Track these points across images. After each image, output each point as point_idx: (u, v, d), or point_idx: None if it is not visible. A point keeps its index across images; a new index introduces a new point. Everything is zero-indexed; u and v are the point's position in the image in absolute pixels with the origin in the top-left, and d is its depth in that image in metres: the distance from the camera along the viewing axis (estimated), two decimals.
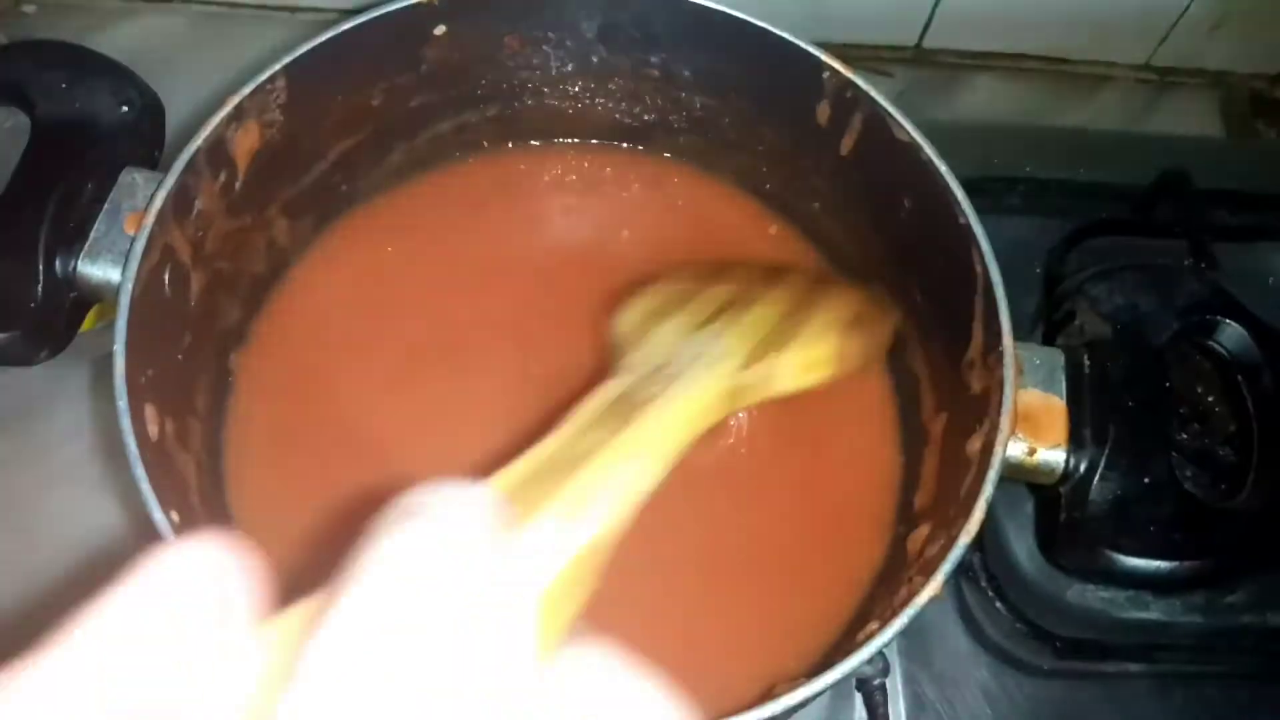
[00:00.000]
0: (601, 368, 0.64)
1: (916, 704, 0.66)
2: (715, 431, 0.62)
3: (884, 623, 0.48)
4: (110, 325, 0.51)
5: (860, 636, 0.50)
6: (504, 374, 0.65)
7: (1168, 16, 0.94)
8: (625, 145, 0.74)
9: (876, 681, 0.62)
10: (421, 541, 0.21)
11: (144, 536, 0.68)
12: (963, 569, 0.57)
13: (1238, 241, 0.77)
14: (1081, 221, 0.78)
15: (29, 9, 0.91)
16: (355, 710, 0.18)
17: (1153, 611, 0.65)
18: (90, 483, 0.70)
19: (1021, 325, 0.54)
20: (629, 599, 0.58)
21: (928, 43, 0.97)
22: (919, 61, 0.97)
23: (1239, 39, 0.96)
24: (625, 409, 0.40)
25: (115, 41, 0.90)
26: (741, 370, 0.48)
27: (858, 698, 0.64)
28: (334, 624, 0.19)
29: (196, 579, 0.21)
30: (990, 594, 0.67)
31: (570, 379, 0.65)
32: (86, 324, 0.58)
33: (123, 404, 0.49)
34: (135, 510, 0.64)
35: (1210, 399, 0.58)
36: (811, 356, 0.51)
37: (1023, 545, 0.66)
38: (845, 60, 0.61)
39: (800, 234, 0.72)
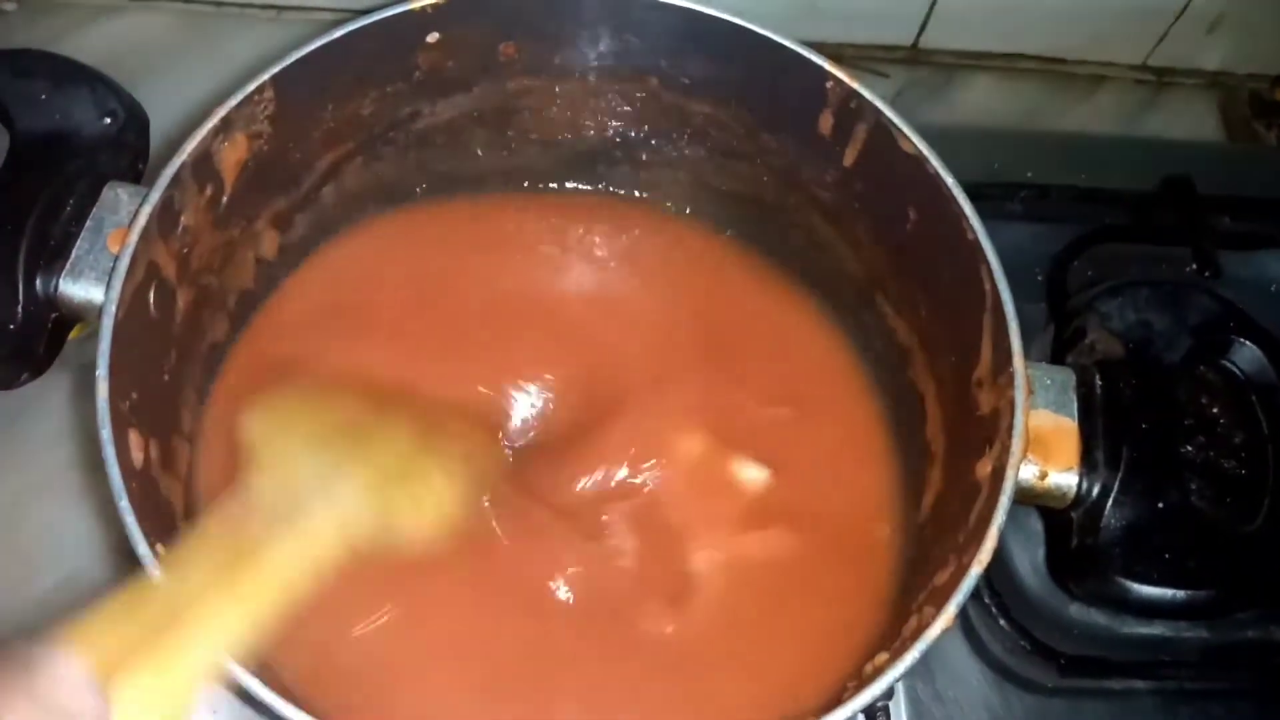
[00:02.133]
0: (587, 398, 0.64)
1: None
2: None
3: (894, 655, 0.47)
4: (94, 334, 0.50)
5: (869, 669, 0.49)
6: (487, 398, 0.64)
7: (1165, 17, 0.93)
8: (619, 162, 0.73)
9: (880, 704, 0.61)
10: None
11: (126, 548, 0.67)
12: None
13: (1241, 249, 0.77)
14: (1084, 228, 0.77)
15: (9, 7, 0.89)
16: None
17: (1157, 628, 0.65)
18: (71, 492, 0.69)
19: (1024, 334, 0.53)
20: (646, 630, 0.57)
21: (924, 42, 0.96)
22: (915, 61, 0.97)
23: (1237, 40, 0.95)
24: (235, 550, 0.42)
25: (98, 41, 0.88)
26: (358, 515, 0.48)
27: (860, 718, 0.63)
28: None
29: None
30: (994, 611, 0.66)
31: (553, 403, 0.64)
32: (72, 333, 0.57)
33: (106, 433, 0.47)
34: (116, 521, 0.63)
35: (1221, 418, 0.57)
36: (424, 504, 0.52)
37: (1026, 562, 0.66)
38: (840, 59, 0.60)
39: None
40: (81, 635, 0.33)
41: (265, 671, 0.42)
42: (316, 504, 0.47)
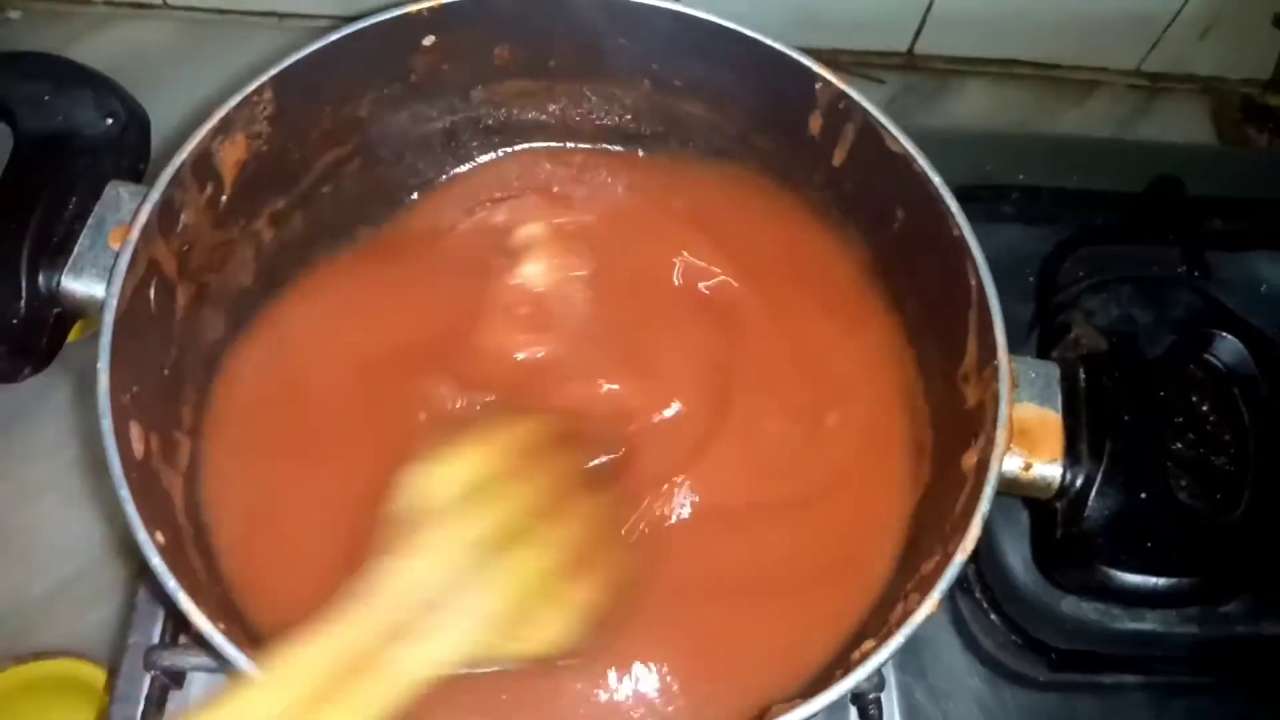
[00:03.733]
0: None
1: (912, 716, 0.66)
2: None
3: (880, 640, 0.48)
4: (95, 336, 0.50)
5: (856, 655, 0.49)
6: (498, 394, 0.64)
7: (1158, 22, 0.94)
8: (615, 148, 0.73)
9: (871, 696, 0.61)
10: None
11: (129, 549, 0.68)
12: (957, 581, 0.56)
13: (1230, 250, 0.77)
14: (1074, 229, 0.77)
15: (13, 14, 0.90)
16: None
17: (1148, 623, 0.65)
18: (73, 494, 0.70)
19: (1015, 334, 0.53)
20: (629, 625, 0.58)
21: (919, 48, 0.96)
22: (910, 67, 0.97)
23: (1229, 45, 0.96)
24: (372, 643, 0.43)
25: (100, 48, 0.89)
26: (487, 635, 0.47)
27: (853, 711, 0.63)
28: None
29: None
30: (985, 606, 0.67)
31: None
32: (72, 334, 0.58)
33: (107, 424, 0.48)
34: (119, 523, 0.63)
35: (1205, 410, 0.58)
36: (547, 632, 0.51)
37: (1017, 557, 0.66)
38: (836, 66, 0.60)
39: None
40: None
41: None
42: (448, 616, 0.46)
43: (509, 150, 0.72)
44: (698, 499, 0.61)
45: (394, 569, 0.46)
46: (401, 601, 0.45)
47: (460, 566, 0.48)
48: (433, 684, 0.44)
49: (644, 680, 0.57)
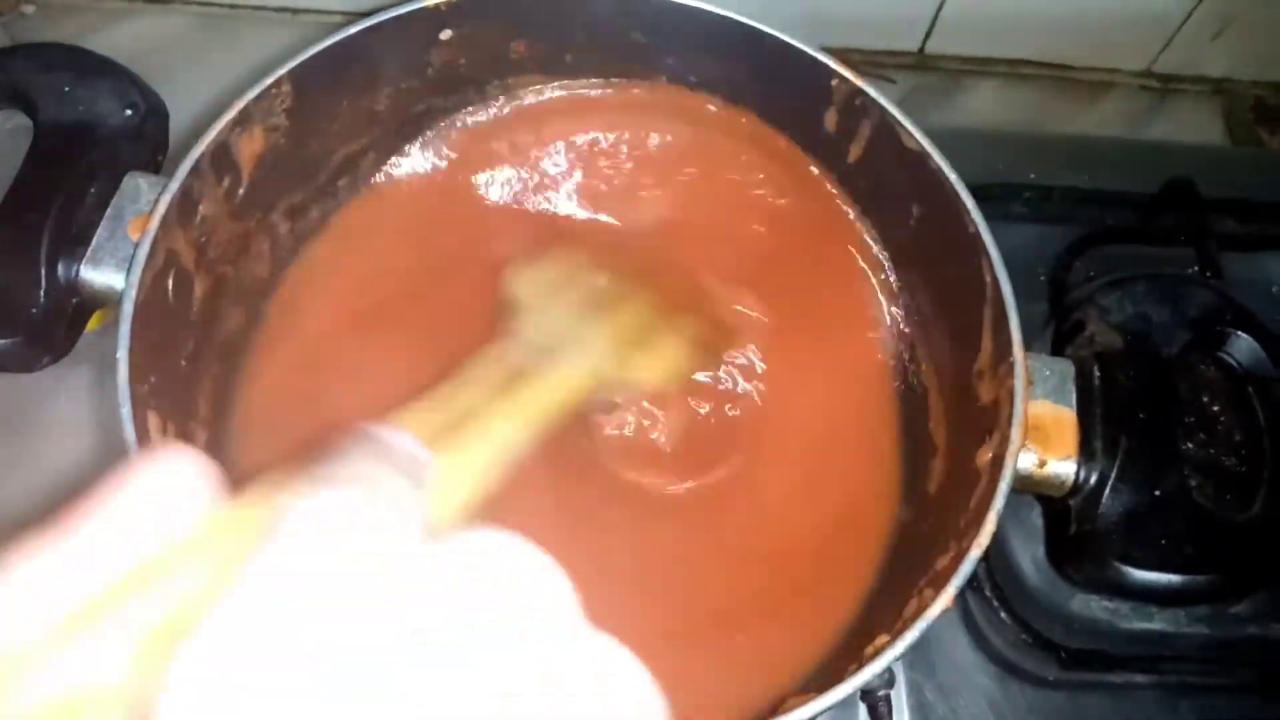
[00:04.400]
0: None
1: (921, 714, 0.66)
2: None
3: (894, 636, 0.48)
4: (111, 328, 0.51)
5: (869, 650, 0.49)
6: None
7: (1170, 24, 0.94)
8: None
9: (881, 693, 0.61)
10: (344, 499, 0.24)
11: None
12: (967, 579, 0.57)
13: (1243, 251, 0.77)
14: (1086, 229, 0.78)
15: (29, 9, 0.90)
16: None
17: (1158, 622, 0.65)
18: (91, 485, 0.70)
19: (1026, 333, 0.53)
20: (641, 616, 0.58)
21: (930, 48, 0.96)
22: (921, 67, 0.97)
23: (1241, 47, 0.96)
24: (507, 377, 0.45)
25: (115, 43, 0.89)
26: (606, 362, 0.53)
27: (862, 708, 0.63)
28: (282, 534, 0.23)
29: (166, 487, 0.24)
30: (995, 604, 0.67)
31: None
32: (89, 325, 0.58)
33: (125, 411, 0.48)
34: None
35: (1217, 409, 0.58)
36: (660, 363, 0.58)
37: (1028, 555, 0.66)
38: (847, 65, 0.61)
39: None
40: (399, 420, 0.36)
41: None
42: (574, 347, 0.51)
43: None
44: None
45: (522, 324, 0.53)
46: (535, 341, 0.51)
47: (570, 319, 0.55)
48: (571, 405, 0.48)
49: None
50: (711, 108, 0.69)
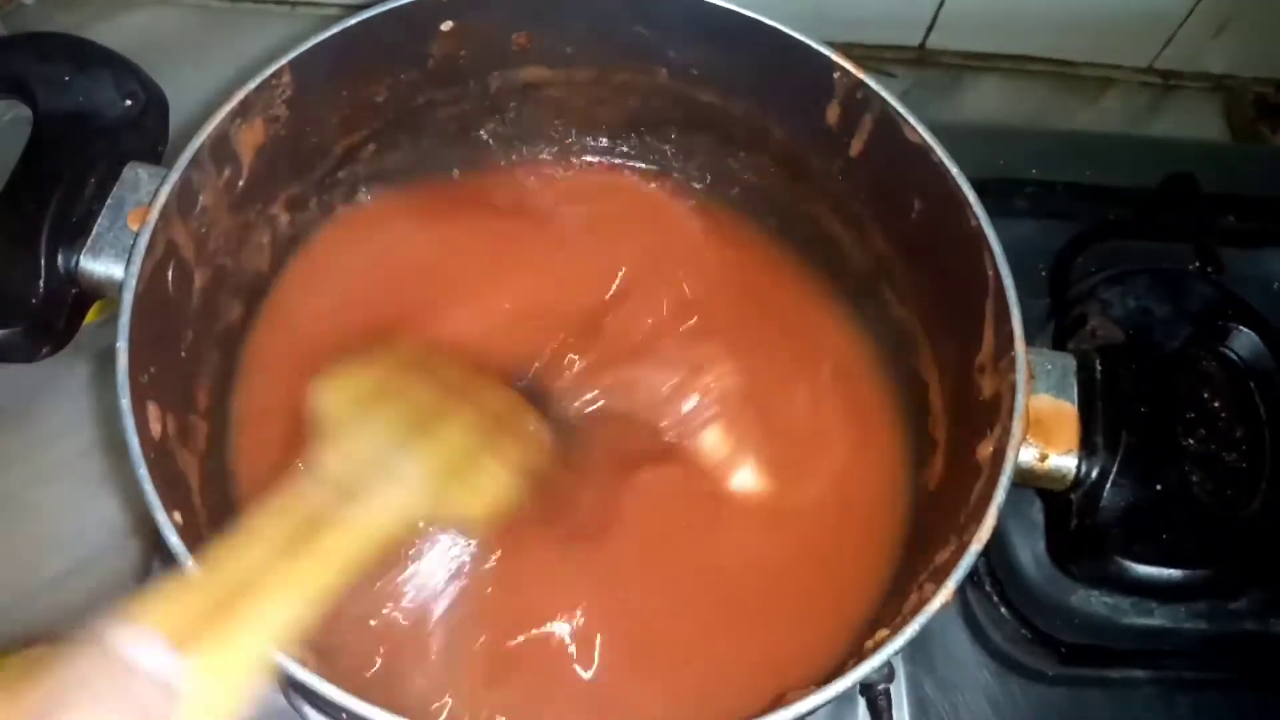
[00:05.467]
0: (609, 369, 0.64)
1: (920, 709, 0.66)
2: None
3: (894, 630, 0.48)
4: (112, 319, 0.50)
5: (869, 644, 0.49)
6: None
7: (1171, 20, 0.94)
8: (629, 150, 0.74)
9: (881, 687, 0.61)
10: None
11: (143, 532, 0.68)
12: (967, 574, 0.57)
13: (1244, 246, 0.77)
14: (1087, 225, 0.78)
15: (27, 1, 0.90)
16: None
17: (1157, 618, 0.65)
18: (90, 478, 0.70)
19: (1027, 329, 0.53)
20: (643, 609, 0.58)
21: (931, 43, 0.96)
22: (922, 62, 0.97)
23: (1243, 43, 0.96)
24: (299, 528, 0.42)
25: (113, 34, 0.89)
26: (419, 499, 0.49)
27: (861, 703, 0.63)
28: None
29: None
30: (995, 599, 0.67)
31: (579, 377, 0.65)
32: (89, 316, 0.58)
33: (126, 402, 0.48)
34: (136, 505, 0.63)
35: (1218, 404, 0.58)
36: (478, 497, 0.53)
37: (1027, 550, 0.66)
38: (849, 59, 0.60)
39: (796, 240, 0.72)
40: (149, 610, 0.34)
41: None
42: (384, 484, 0.48)
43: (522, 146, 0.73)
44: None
45: (326, 453, 0.48)
46: (338, 476, 0.47)
47: (382, 445, 0.50)
48: (375, 551, 0.45)
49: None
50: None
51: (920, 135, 0.58)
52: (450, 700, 0.56)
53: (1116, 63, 0.99)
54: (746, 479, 0.63)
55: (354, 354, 0.56)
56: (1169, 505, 0.53)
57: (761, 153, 0.69)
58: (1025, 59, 0.98)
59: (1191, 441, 0.56)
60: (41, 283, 0.53)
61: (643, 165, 0.74)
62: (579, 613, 0.58)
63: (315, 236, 0.67)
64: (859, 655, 0.48)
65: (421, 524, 0.50)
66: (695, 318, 0.67)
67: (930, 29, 0.95)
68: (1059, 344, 0.59)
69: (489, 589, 0.58)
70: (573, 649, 0.57)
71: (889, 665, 0.60)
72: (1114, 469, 0.52)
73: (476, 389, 0.58)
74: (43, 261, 0.53)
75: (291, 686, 0.58)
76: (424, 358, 0.59)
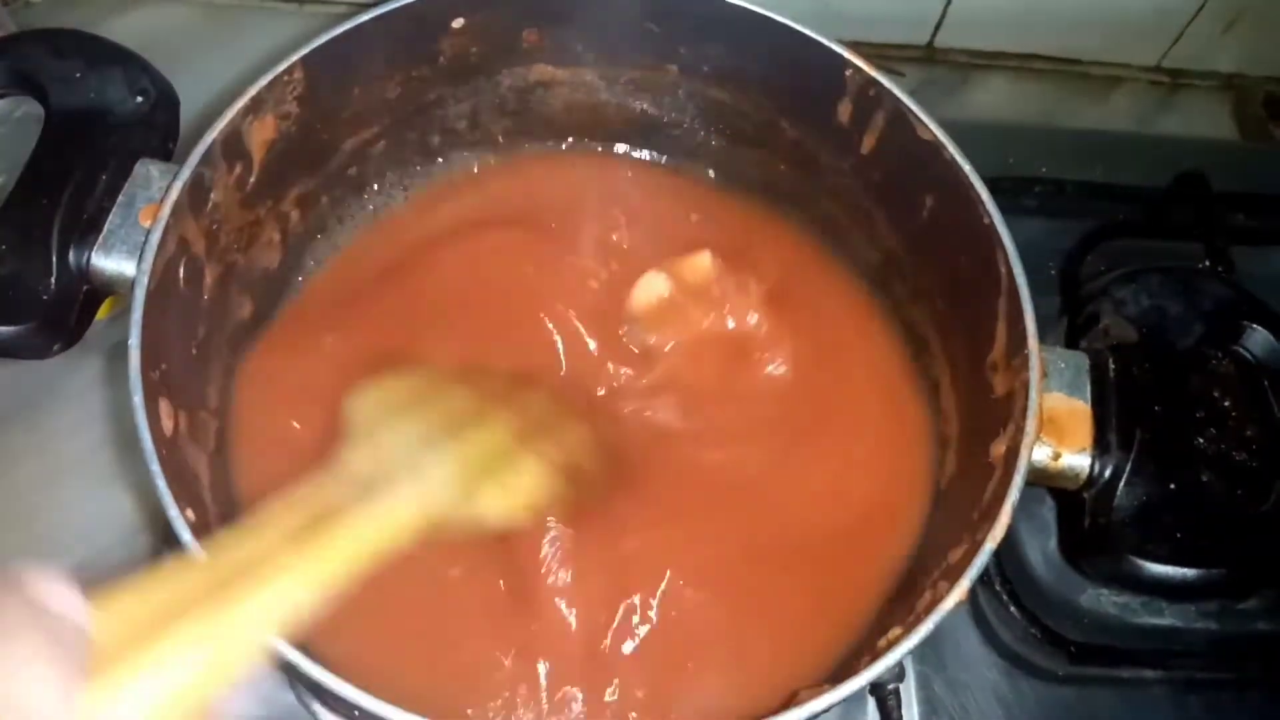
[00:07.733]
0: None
1: (930, 708, 0.66)
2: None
3: (908, 628, 0.48)
4: (122, 316, 0.50)
5: (882, 642, 0.49)
6: (519, 365, 0.64)
7: (1180, 19, 0.94)
8: (640, 148, 0.74)
9: (891, 686, 0.61)
10: None
11: (154, 528, 0.68)
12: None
13: (1254, 244, 0.77)
14: (1098, 223, 0.78)
15: None
16: None
17: (1167, 618, 0.65)
18: (100, 474, 0.70)
19: (1039, 327, 0.53)
20: (656, 610, 0.57)
21: (939, 42, 0.96)
22: (930, 61, 0.97)
23: (1252, 42, 0.96)
24: (309, 520, 0.42)
25: (123, 31, 0.89)
26: (442, 493, 0.49)
27: (871, 702, 0.63)
28: None
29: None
30: (1005, 598, 0.66)
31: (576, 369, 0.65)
32: (100, 313, 0.58)
33: (138, 398, 0.48)
34: (146, 502, 0.63)
35: (1231, 403, 0.58)
36: (510, 495, 0.53)
37: (1038, 549, 0.66)
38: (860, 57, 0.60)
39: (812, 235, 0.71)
40: (144, 587, 0.34)
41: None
42: (402, 480, 0.47)
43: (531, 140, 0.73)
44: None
45: (352, 452, 0.48)
46: (361, 472, 0.47)
47: (406, 445, 0.50)
48: (388, 548, 0.44)
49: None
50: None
51: (932, 132, 0.58)
52: None
53: (1125, 61, 0.99)
54: (771, 465, 0.63)
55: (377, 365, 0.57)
56: (1182, 504, 0.53)
57: (772, 150, 0.69)
58: (1033, 57, 0.98)
59: (1204, 441, 0.56)
60: (53, 280, 0.53)
61: (654, 161, 0.74)
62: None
63: (325, 238, 0.68)
64: (872, 654, 0.48)
65: (450, 520, 0.49)
66: (724, 310, 0.66)
67: (938, 27, 0.95)
68: (1071, 343, 0.59)
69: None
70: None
71: (900, 665, 0.60)
72: (1127, 468, 0.52)
73: (514, 394, 0.59)
74: (54, 258, 0.53)
75: (303, 684, 0.57)
76: (464, 372, 0.59)
